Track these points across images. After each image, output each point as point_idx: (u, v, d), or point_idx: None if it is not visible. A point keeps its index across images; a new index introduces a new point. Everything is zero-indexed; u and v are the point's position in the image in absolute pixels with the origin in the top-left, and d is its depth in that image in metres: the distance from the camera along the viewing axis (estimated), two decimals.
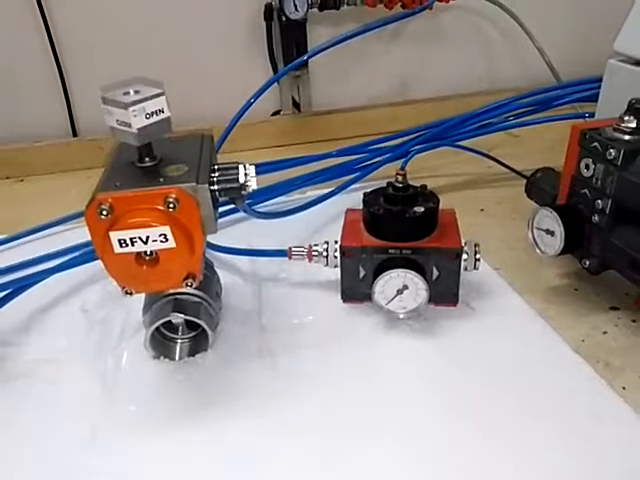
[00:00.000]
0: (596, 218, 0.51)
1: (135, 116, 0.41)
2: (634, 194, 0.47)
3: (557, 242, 0.53)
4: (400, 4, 0.93)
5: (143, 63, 0.96)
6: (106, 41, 0.94)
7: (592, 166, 0.51)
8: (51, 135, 0.95)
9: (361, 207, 0.54)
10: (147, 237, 0.39)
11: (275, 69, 0.99)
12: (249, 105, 0.81)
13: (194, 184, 0.41)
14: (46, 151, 0.94)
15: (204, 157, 0.46)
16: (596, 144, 0.50)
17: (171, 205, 0.40)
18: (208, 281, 0.51)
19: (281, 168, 0.80)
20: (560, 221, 0.52)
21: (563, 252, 0.53)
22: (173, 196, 0.40)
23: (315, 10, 0.93)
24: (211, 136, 0.50)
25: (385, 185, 0.54)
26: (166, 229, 0.39)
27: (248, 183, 0.45)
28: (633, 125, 0.49)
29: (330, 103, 1.06)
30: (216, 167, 0.46)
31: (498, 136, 0.85)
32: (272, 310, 0.54)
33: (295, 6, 0.90)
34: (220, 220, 0.63)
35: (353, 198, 0.73)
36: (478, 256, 0.52)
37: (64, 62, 0.93)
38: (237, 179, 0.45)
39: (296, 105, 1.04)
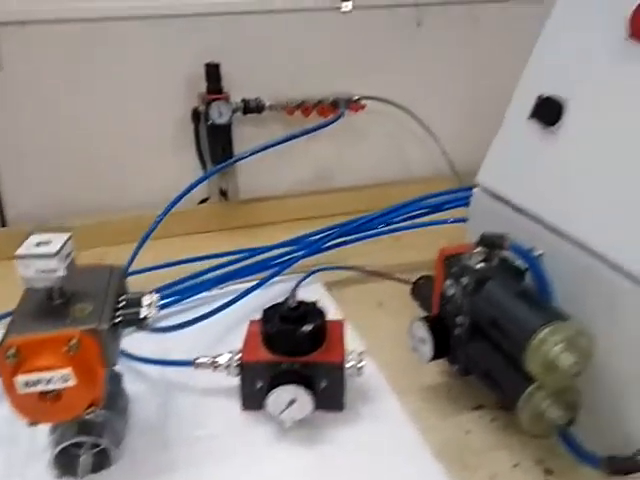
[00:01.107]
0: (457, 331, 0.60)
1: (60, 261, 0.47)
2: (482, 316, 0.56)
3: (428, 350, 0.61)
4: (316, 111, 1.04)
5: (75, 157, 1.03)
6: (39, 134, 0.99)
7: (453, 287, 0.60)
8: None
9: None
10: (50, 378, 0.44)
11: (204, 164, 1.07)
12: (178, 200, 0.88)
13: (96, 325, 0.47)
14: None
15: (110, 292, 0.52)
16: (455, 269, 0.60)
17: (73, 348, 0.45)
18: (115, 396, 0.56)
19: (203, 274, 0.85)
20: (430, 331, 0.61)
21: (434, 358, 0.61)
22: (75, 339, 0.45)
23: (239, 114, 1.03)
24: (120, 268, 0.56)
25: (283, 301, 0.61)
26: (68, 370, 0.45)
27: (150, 315, 0.51)
28: (483, 257, 0.58)
29: (256, 190, 1.14)
30: (121, 299, 0.52)
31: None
32: (177, 421, 0.59)
33: (220, 113, 0.99)
34: None
35: (270, 292, 0.81)
36: (361, 364, 0.60)
37: None
38: (139, 313, 0.51)
39: (223, 193, 1.12)
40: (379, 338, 0.74)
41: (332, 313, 0.77)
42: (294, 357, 0.58)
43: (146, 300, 0.52)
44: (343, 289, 0.87)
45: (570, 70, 0.56)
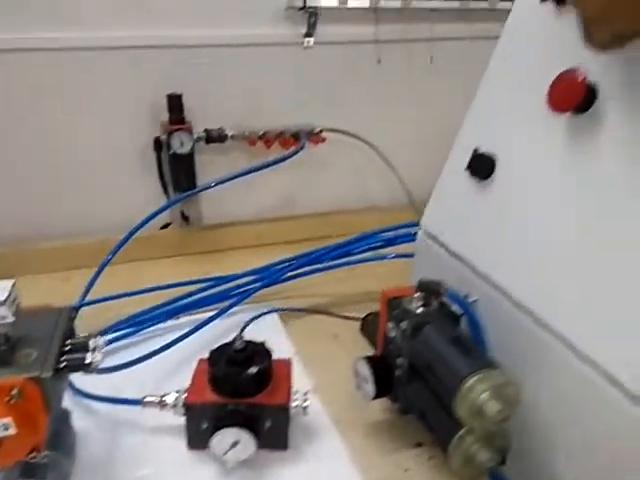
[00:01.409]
0: (398, 372, 0.63)
1: (9, 308, 0.48)
2: (419, 360, 0.59)
3: (370, 389, 0.64)
4: (278, 142, 1.07)
5: (40, 181, 1.03)
6: (2, 159, 0.99)
7: (394, 329, 0.63)
8: None
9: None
10: None
11: (166, 191, 1.08)
12: (139, 227, 0.90)
13: (39, 373, 0.48)
14: None
15: (57, 336, 0.53)
16: (397, 312, 0.63)
17: (15, 396, 0.46)
18: (61, 435, 0.57)
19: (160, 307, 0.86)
20: (372, 371, 0.63)
21: (376, 397, 0.64)
22: (17, 388, 0.46)
23: (202, 143, 1.04)
24: (68, 309, 0.57)
25: (231, 341, 0.63)
26: (9, 420, 0.45)
27: (95, 360, 0.53)
28: (422, 302, 0.61)
29: (219, 216, 1.15)
30: (67, 344, 0.53)
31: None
32: (125, 459, 0.60)
33: (181, 143, 1.00)
34: None
35: (226, 322, 0.83)
36: (306, 404, 0.62)
37: None
38: (84, 358, 0.52)
39: (185, 218, 1.13)
40: (330, 372, 0.76)
41: (284, 347, 0.80)
42: (239, 398, 0.60)
43: (92, 344, 0.54)
44: (298, 320, 0.89)
45: (501, 130, 0.60)
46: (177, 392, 0.62)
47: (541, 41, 0.55)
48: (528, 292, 0.54)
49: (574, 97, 0.49)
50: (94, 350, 0.53)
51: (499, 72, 0.61)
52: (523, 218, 0.56)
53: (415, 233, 0.90)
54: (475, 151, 0.62)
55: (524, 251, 0.56)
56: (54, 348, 0.51)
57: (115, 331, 0.81)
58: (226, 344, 0.63)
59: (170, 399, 0.61)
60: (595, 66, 0.48)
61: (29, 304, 0.56)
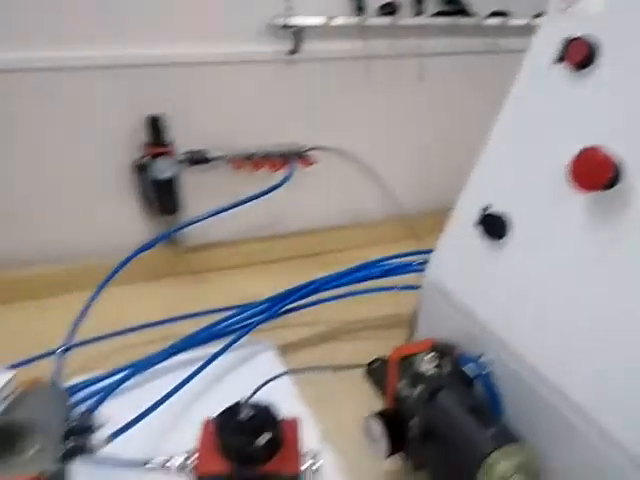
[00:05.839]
0: (411, 433, 0.61)
1: None
2: (435, 425, 0.58)
3: (384, 448, 0.62)
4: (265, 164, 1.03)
5: (18, 206, 0.96)
6: None
7: (406, 389, 0.61)
8: None
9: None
10: None
11: (150, 213, 1.03)
12: (127, 261, 0.86)
13: (46, 467, 0.45)
14: None
15: (56, 422, 0.49)
16: (409, 372, 0.61)
17: None
18: None
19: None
20: (386, 432, 0.62)
21: (390, 455, 0.63)
22: None
23: (185, 164, 0.99)
24: (63, 393, 0.53)
25: (238, 406, 0.60)
26: None
27: (97, 443, 0.49)
28: (435, 363, 0.60)
29: (205, 236, 1.10)
30: (67, 429, 0.49)
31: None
32: None
33: (163, 168, 0.94)
34: None
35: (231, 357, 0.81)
36: (317, 466, 0.60)
37: None
38: (87, 442, 0.49)
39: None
40: (337, 414, 0.74)
41: (287, 390, 0.77)
42: (251, 466, 0.57)
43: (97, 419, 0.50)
44: (297, 352, 0.87)
45: (514, 190, 0.58)
46: (184, 456, 0.59)
47: (556, 105, 0.54)
48: (542, 358, 0.53)
49: (601, 178, 0.47)
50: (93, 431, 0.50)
51: (510, 131, 0.59)
52: (539, 283, 0.55)
53: (418, 263, 0.89)
54: (486, 209, 0.60)
55: (540, 317, 0.55)
56: (56, 436, 0.48)
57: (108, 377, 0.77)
58: (233, 407, 0.60)
59: (176, 463, 0.59)
60: (619, 143, 0.46)
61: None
